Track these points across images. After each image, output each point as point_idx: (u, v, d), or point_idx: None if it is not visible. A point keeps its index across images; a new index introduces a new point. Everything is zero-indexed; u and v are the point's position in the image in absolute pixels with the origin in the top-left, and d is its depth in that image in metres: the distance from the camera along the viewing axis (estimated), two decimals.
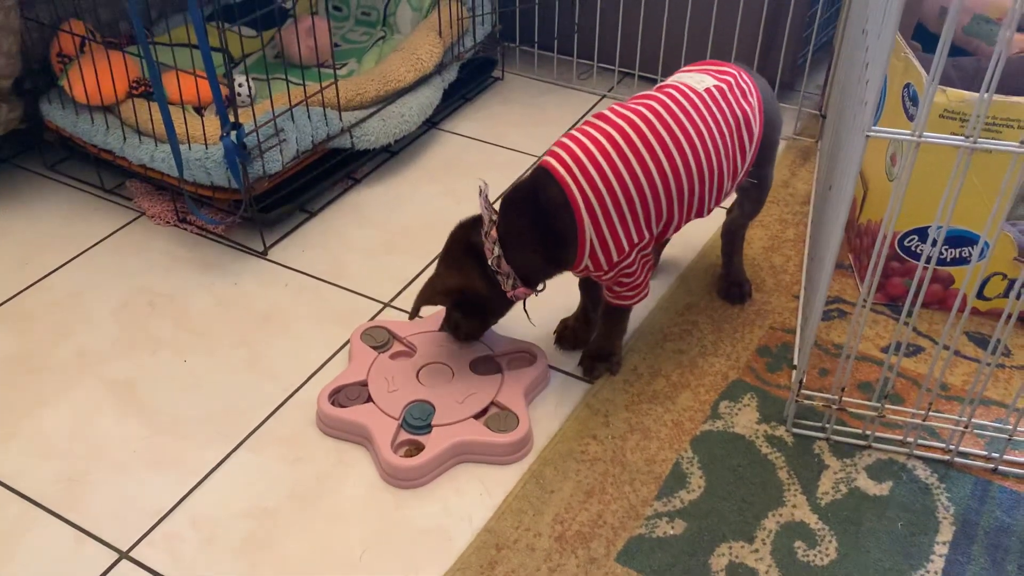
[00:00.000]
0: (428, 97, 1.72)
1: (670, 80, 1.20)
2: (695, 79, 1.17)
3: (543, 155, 1.15)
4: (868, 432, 1.17)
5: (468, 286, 1.15)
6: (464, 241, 1.15)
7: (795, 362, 1.28)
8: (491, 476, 1.14)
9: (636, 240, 1.12)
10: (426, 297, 1.17)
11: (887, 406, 1.15)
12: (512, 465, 1.15)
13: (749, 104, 1.17)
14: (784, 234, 1.53)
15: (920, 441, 1.16)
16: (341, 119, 1.57)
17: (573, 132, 1.13)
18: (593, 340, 1.27)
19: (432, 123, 1.83)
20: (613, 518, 1.08)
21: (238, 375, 1.28)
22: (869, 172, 1.42)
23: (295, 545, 1.06)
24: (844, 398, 1.16)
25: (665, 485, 1.11)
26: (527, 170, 1.15)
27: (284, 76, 1.57)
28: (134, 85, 1.53)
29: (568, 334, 1.31)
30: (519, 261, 1.13)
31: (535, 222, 1.11)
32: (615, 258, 1.12)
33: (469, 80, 1.91)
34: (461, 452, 1.15)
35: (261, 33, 1.84)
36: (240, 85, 1.58)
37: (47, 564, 1.04)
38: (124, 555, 1.05)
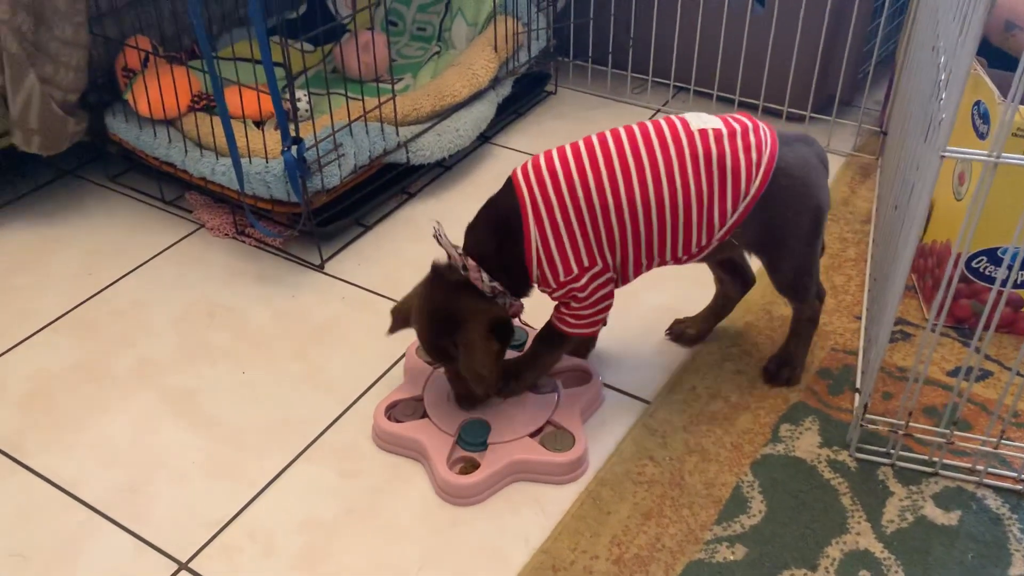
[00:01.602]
0: (482, 112, 1.73)
1: (677, 116, 1.12)
2: (699, 117, 1.10)
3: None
4: (935, 459, 1.14)
5: (499, 314, 1.09)
6: (454, 286, 1.08)
7: (858, 385, 1.25)
8: (547, 496, 1.13)
9: (587, 264, 1.08)
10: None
11: (955, 432, 1.12)
12: (568, 485, 1.14)
13: (749, 158, 1.07)
14: (845, 253, 1.50)
15: (990, 470, 1.12)
16: (398, 134, 1.58)
17: (554, 148, 1.11)
18: (513, 358, 1.18)
19: (485, 138, 1.83)
20: (672, 542, 1.06)
21: (296, 387, 1.28)
22: (935, 191, 1.38)
23: (351, 559, 1.06)
24: (911, 423, 1.13)
25: (725, 509, 1.09)
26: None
27: (343, 91, 1.59)
28: (196, 99, 1.56)
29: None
30: (498, 274, 1.09)
31: (495, 229, 1.10)
32: (561, 277, 1.08)
33: (522, 95, 1.91)
34: (517, 470, 1.14)
35: (320, 47, 1.86)
36: (299, 100, 1.60)
37: (108, 572, 1.05)
38: (183, 566, 1.06)
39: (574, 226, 1.07)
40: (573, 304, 1.11)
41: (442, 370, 1.23)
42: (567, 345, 1.18)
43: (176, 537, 1.09)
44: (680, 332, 1.33)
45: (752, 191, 1.08)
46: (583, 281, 1.08)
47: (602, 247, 1.08)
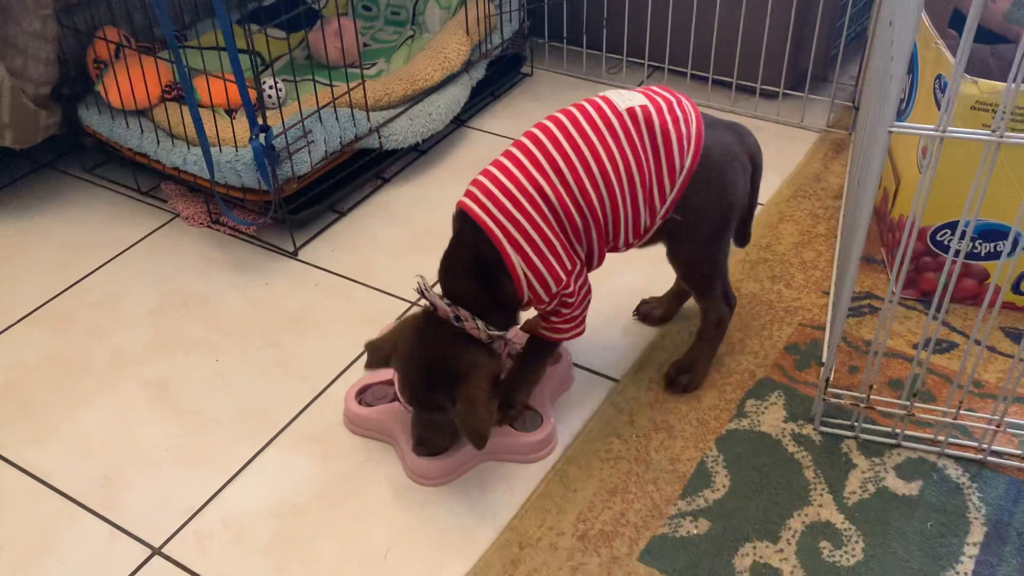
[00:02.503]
0: (456, 95, 1.73)
1: (599, 95, 1.10)
2: (621, 95, 1.07)
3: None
4: (898, 431, 1.15)
5: (498, 369, 1.06)
6: (451, 335, 1.04)
7: (823, 359, 1.26)
8: (515, 475, 1.14)
9: (569, 267, 1.06)
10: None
11: (917, 404, 1.14)
12: (536, 464, 1.15)
13: (679, 131, 1.06)
14: (815, 229, 1.51)
15: (951, 440, 1.14)
16: (369, 119, 1.58)
17: (488, 165, 1.07)
18: (501, 383, 1.12)
19: (461, 121, 1.84)
20: (636, 517, 1.08)
21: (268, 375, 1.30)
22: (901, 165, 1.39)
23: (322, 543, 1.07)
24: (873, 396, 1.14)
25: (689, 484, 1.11)
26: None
27: (318, 78, 1.59)
28: (167, 89, 1.56)
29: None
30: (492, 314, 1.05)
31: (473, 269, 1.05)
32: (553, 289, 1.05)
33: (497, 77, 1.91)
34: (486, 451, 1.15)
35: (289, 36, 1.86)
36: (270, 87, 1.60)
37: (83, 559, 1.07)
38: (156, 551, 1.07)
39: (548, 234, 1.04)
40: (563, 310, 1.10)
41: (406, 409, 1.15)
42: (555, 351, 1.18)
43: (149, 524, 1.10)
44: (647, 312, 1.34)
45: (686, 165, 1.07)
46: (571, 286, 1.07)
47: (573, 245, 1.07)
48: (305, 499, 1.13)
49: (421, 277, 1.06)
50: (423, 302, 1.08)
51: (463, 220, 1.06)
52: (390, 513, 1.10)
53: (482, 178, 1.06)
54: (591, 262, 1.11)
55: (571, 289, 1.07)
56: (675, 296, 1.33)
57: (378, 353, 1.11)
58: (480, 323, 1.04)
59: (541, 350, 1.15)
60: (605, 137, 1.05)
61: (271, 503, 1.12)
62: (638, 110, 1.06)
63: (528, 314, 1.18)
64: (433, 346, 1.05)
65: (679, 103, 1.09)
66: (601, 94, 1.10)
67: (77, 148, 1.73)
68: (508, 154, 1.07)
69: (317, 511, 1.11)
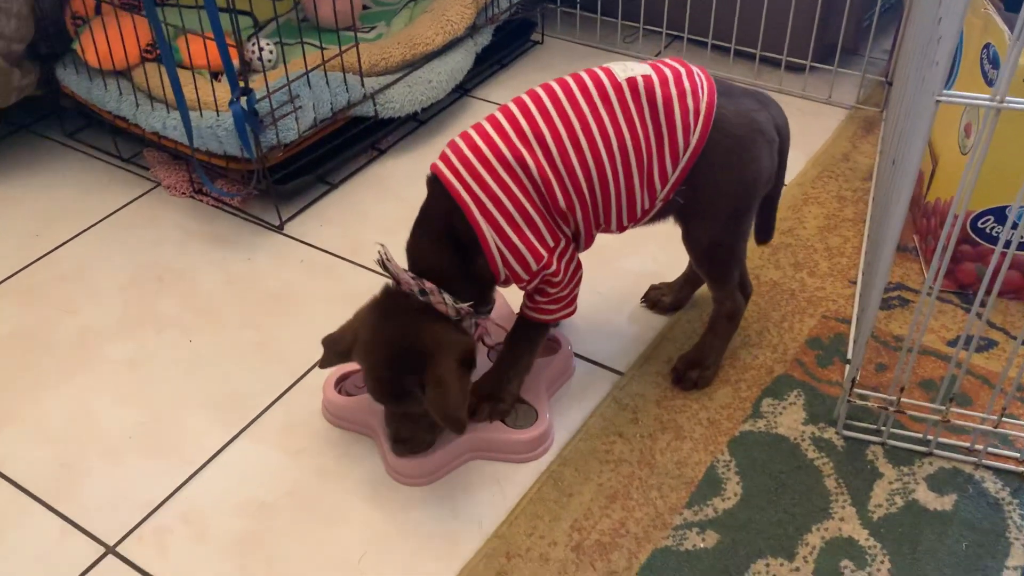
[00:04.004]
0: (458, 62, 1.62)
1: (600, 66, 1.00)
2: (624, 66, 0.97)
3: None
4: (930, 437, 1.04)
5: (469, 345, 0.95)
6: (413, 312, 0.94)
7: (849, 356, 1.15)
8: (506, 475, 1.04)
9: (551, 243, 0.96)
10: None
11: (953, 408, 1.02)
12: (529, 464, 1.05)
13: (685, 106, 0.95)
14: (842, 212, 1.39)
15: (990, 450, 1.03)
16: (363, 85, 1.47)
17: (468, 128, 0.97)
18: (487, 372, 1.06)
19: (464, 90, 1.72)
20: (637, 527, 0.97)
21: (244, 357, 1.20)
22: (939, 145, 1.27)
23: (290, 545, 0.98)
24: (903, 398, 1.03)
25: (697, 491, 1.00)
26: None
27: (314, 41, 1.48)
28: (147, 49, 1.46)
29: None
30: (462, 290, 0.95)
31: (442, 239, 0.95)
32: (533, 266, 0.95)
33: (505, 44, 1.79)
34: (474, 448, 1.05)
35: None
36: (262, 49, 1.50)
37: (30, 556, 0.98)
38: (110, 550, 0.98)
39: (527, 208, 0.94)
40: (549, 290, 1.00)
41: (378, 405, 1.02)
42: (546, 334, 1.07)
43: (105, 519, 1.01)
44: (656, 299, 1.23)
45: (692, 143, 0.96)
46: (555, 264, 0.97)
47: (557, 221, 0.97)
48: (275, 496, 1.03)
49: (382, 246, 0.95)
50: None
51: (435, 185, 0.96)
52: (367, 514, 1.01)
53: (459, 141, 0.96)
54: (578, 243, 1.01)
55: (554, 268, 0.97)
56: (687, 282, 1.22)
57: (336, 346, 0.99)
58: (448, 298, 0.93)
59: (530, 333, 1.05)
60: (598, 108, 0.94)
61: (238, 499, 1.03)
62: (639, 80, 0.95)
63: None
64: (395, 325, 0.94)
65: (689, 74, 0.97)
66: (603, 65, 0.99)
67: (56, 111, 1.63)
68: (491, 119, 0.96)
69: (287, 510, 1.02)
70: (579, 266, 1.02)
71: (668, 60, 1.00)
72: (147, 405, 1.14)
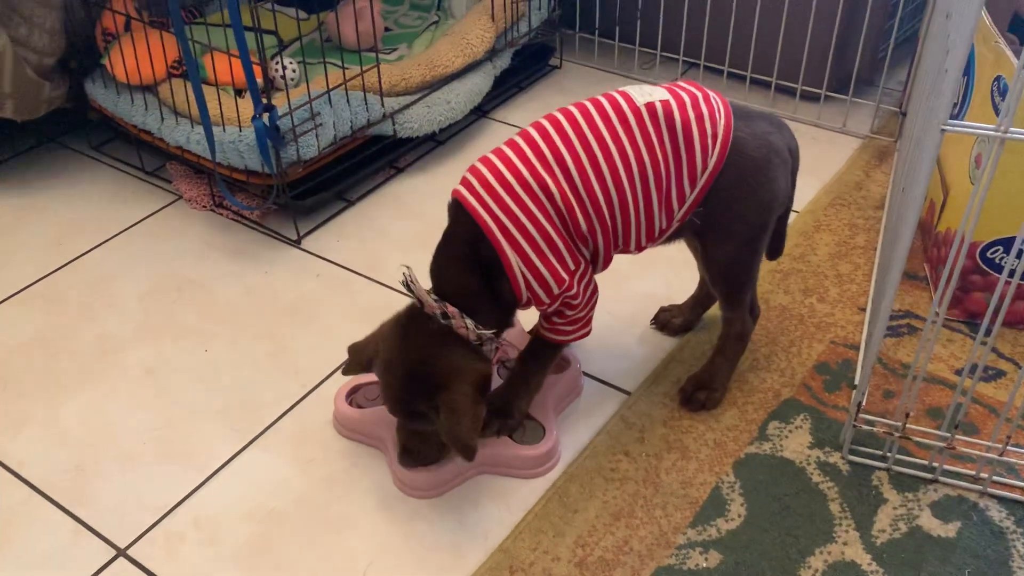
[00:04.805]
0: (477, 84, 1.65)
1: (617, 90, 1.01)
2: (642, 90, 0.99)
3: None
4: (935, 464, 1.04)
5: (486, 372, 0.96)
6: (435, 335, 0.95)
7: (856, 381, 1.16)
8: (512, 490, 1.05)
9: (572, 267, 0.97)
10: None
11: (958, 436, 1.03)
12: (535, 480, 1.06)
13: (703, 129, 0.97)
14: (853, 240, 1.40)
15: (995, 478, 1.03)
16: (383, 105, 1.50)
17: (489, 153, 0.98)
18: (498, 388, 1.07)
19: (482, 112, 1.75)
20: (641, 545, 0.98)
21: (259, 368, 1.22)
22: (951, 175, 1.28)
23: (297, 553, 0.99)
24: (909, 425, 1.04)
25: (702, 512, 1.01)
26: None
27: (336, 61, 1.51)
28: (174, 66, 1.49)
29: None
30: (485, 313, 0.97)
31: (466, 264, 0.96)
32: (555, 290, 0.97)
33: (524, 68, 1.82)
34: (481, 463, 1.07)
35: (316, 15, 1.79)
36: (285, 67, 1.53)
37: (42, 556, 1.00)
38: (122, 552, 1.00)
39: (549, 232, 0.95)
40: (567, 312, 1.01)
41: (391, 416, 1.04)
42: (559, 354, 1.08)
43: (117, 521, 1.03)
44: (666, 321, 1.24)
45: (710, 165, 0.98)
46: (575, 287, 0.98)
47: (577, 245, 0.98)
48: (284, 504, 1.05)
49: (407, 268, 0.97)
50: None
51: (458, 211, 0.97)
52: (374, 524, 1.02)
53: (481, 167, 0.97)
54: (596, 264, 1.02)
55: (575, 291, 0.98)
56: (697, 304, 1.23)
57: (359, 356, 1.02)
58: (469, 322, 0.95)
59: (543, 353, 1.06)
60: (618, 133, 0.96)
61: (248, 506, 1.04)
62: (657, 105, 0.97)
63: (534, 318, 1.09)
64: (414, 347, 0.96)
65: (705, 98, 0.99)
66: (620, 88, 1.01)
67: (84, 124, 1.67)
68: (512, 143, 0.98)
69: (296, 518, 1.03)
70: (596, 289, 1.03)
71: (683, 83, 1.02)
72: (162, 411, 1.16)
